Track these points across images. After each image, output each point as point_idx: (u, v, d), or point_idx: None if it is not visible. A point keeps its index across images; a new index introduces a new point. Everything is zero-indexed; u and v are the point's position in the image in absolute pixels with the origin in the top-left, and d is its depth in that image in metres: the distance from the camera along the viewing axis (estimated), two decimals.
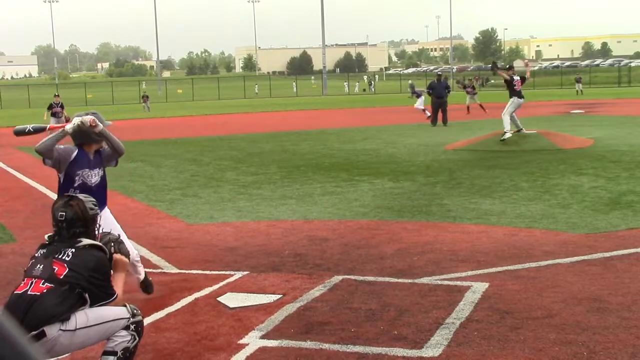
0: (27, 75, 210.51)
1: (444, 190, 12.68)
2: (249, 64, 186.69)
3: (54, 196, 13.07)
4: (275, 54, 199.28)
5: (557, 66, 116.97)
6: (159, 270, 7.88)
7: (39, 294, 4.48)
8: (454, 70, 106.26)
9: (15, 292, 4.64)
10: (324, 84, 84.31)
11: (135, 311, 4.83)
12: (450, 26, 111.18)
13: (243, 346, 5.52)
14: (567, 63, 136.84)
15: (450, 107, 29.82)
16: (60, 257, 4.63)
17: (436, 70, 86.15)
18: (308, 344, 5.50)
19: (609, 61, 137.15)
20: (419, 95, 34.11)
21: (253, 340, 5.63)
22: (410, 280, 7.13)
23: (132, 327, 4.73)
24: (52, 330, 4.40)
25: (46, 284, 4.52)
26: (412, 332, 5.69)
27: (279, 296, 6.75)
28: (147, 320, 6.19)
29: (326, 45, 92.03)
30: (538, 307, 6.18)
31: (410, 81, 43.81)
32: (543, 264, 7.57)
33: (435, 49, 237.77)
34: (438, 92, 29.16)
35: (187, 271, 7.76)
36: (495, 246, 8.41)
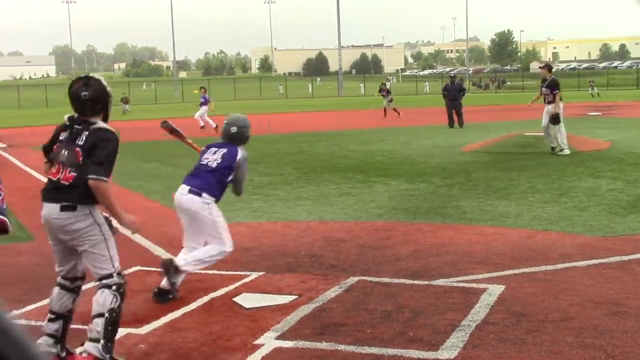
0: (45, 76, 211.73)
1: (460, 192, 12.65)
2: (265, 64, 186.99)
3: None
4: (291, 55, 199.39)
5: (574, 68, 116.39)
6: None
7: (67, 183, 5.14)
8: (470, 72, 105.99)
9: (50, 177, 5.29)
10: (339, 85, 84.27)
11: (121, 273, 5.31)
12: (467, 28, 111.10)
13: (258, 347, 5.53)
14: (584, 65, 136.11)
15: (466, 109, 29.71)
16: (79, 142, 5.20)
17: (451, 72, 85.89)
18: (323, 345, 5.50)
19: (627, 63, 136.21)
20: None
21: (268, 341, 5.63)
22: (425, 282, 7.11)
23: (114, 287, 5.17)
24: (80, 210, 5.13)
25: (72, 173, 5.15)
26: (428, 334, 5.67)
27: (295, 297, 6.76)
28: (163, 320, 6.22)
29: (342, 47, 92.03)
30: (555, 310, 6.15)
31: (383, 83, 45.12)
32: (560, 267, 7.53)
33: (451, 51, 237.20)
34: (452, 94, 29.09)
35: (203, 271, 7.77)
36: (511, 248, 8.38)
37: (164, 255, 8.51)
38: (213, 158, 7.13)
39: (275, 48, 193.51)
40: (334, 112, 45.12)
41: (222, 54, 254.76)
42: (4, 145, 25.61)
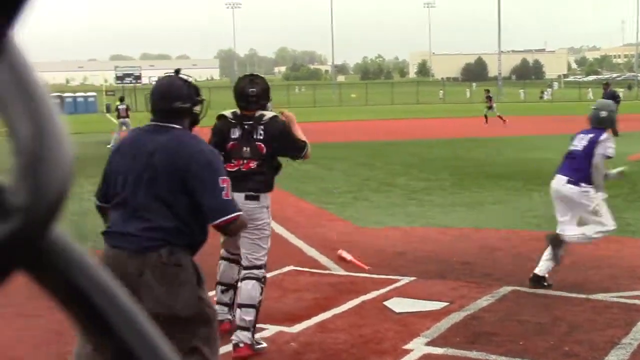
0: (209, 78, 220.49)
1: (624, 203, 12.08)
2: (423, 69, 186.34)
3: None
4: (450, 59, 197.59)
5: None
6: (327, 272, 8.01)
7: (247, 170, 5.52)
8: (639, 78, 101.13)
9: (228, 169, 5.25)
10: (498, 91, 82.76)
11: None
12: (637, 31, 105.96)
13: (408, 352, 5.52)
14: None
15: (630, 117, 28.38)
16: (259, 137, 5.55)
17: (610, 79, 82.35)
18: (474, 354, 5.42)
19: None
20: None
21: (418, 347, 5.61)
22: (584, 296, 6.85)
23: (262, 279, 5.59)
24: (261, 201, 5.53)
25: (254, 162, 5.54)
26: (585, 349, 5.47)
27: (446, 304, 6.69)
28: (313, 320, 6.32)
29: (502, 52, 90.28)
30: None
31: None
32: None
33: (619, 56, 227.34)
34: None
35: (354, 274, 7.83)
36: None
37: (317, 256, 8.65)
38: (581, 144, 7.52)
39: (434, 53, 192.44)
40: (492, 118, 44.28)
41: (380, 58, 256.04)
42: None
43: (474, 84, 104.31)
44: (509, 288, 7.14)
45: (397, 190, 14.17)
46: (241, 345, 5.44)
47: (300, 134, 5.75)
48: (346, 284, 7.45)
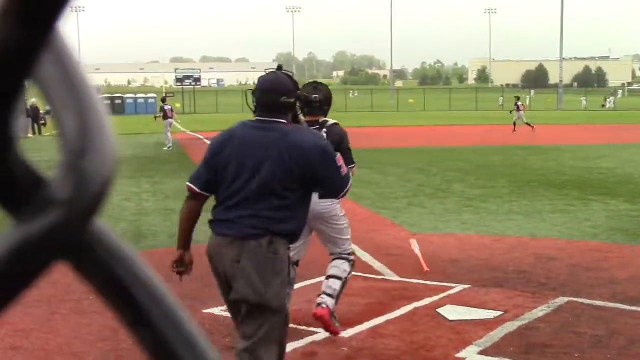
0: None
1: None
2: (483, 75, 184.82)
3: None
4: (510, 66, 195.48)
5: None
6: (381, 277, 7.99)
7: None
8: None
9: None
10: (559, 98, 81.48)
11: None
12: None
13: None
14: None
15: None
16: None
17: None
18: None
19: None
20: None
21: (471, 355, 5.55)
22: None
23: (352, 261, 6.19)
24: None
25: None
26: None
27: (500, 313, 6.61)
28: (366, 326, 6.31)
29: (564, 59, 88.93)
30: None
31: None
32: None
33: None
34: None
35: (408, 280, 7.80)
36: None
37: (371, 261, 8.63)
38: None
39: (494, 59, 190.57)
40: (551, 126, 43.68)
41: (439, 64, 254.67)
42: None
43: (532, 91, 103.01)
44: (565, 299, 7.03)
45: (453, 197, 14.06)
46: (324, 306, 5.88)
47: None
48: (399, 290, 7.42)
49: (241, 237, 3.93)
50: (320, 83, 6.39)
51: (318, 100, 6.03)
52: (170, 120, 27.31)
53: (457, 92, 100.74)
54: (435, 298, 7.12)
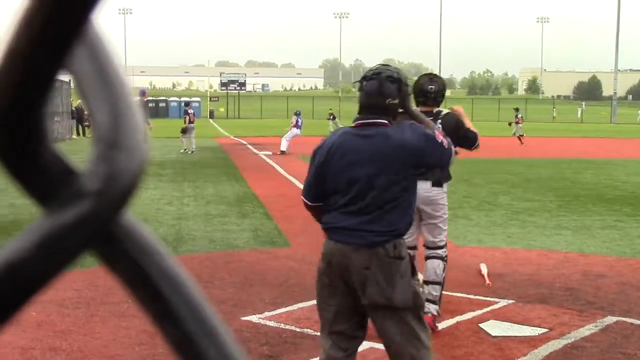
0: (313, 87, 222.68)
1: None
2: (533, 86, 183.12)
3: None
4: (561, 77, 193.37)
5: None
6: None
7: None
8: None
9: None
10: (613, 111, 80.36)
11: None
12: None
13: None
14: None
15: None
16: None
17: None
18: None
19: None
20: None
21: None
22: None
23: (445, 257, 6.67)
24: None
25: None
26: None
27: (545, 330, 6.53)
28: None
29: (619, 70, 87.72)
30: None
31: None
32: None
33: None
34: None
35: (451, 293, 7.74)
36: None
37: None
38: None
39: (545, 69, 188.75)
40: (604, 139, 43.09)
41: (489, 74, 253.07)
42: (270, 153, 27.24)
43: (583, 103, 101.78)
44: (614, 318, 6.92)
45: (499, 210, 13.94)
46: (429, 314, 6.11)
47: (470, 126, 6.62)
48: (442, 304, 7.37)
49: (368, 244, 4.09)
50: (435, 75, 6.85)
51: (433, 91, 6.48)
52: (192, 125, 27.73)
53: (505, 102, 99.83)
54: (478, 312, 7.06)
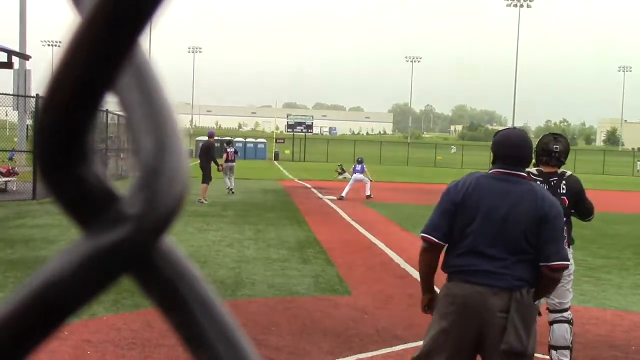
0: (382, 132, 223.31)
1: None
2: (612, 137, 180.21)
3: (393, 254, 13.64)
4: None
5: None
6: None
7: None
8: None
9: None
10: None
11: None
12: None
13: None
14: None
15: None
16: (561, 191, 6.48)
17: None
18: None
19: None
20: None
21: None
22: None
23: (572, 320, 6.79)
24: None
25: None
26: None
27: None
28: None
29: None
30: None
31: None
32: None
33: None
34: None
35: None
36: None
37: None
38: None
39: (625, 120, 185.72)
40: None
41: (565, 123, 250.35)
42: (334, 197, 27.30)
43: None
44: None
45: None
46: None
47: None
48: None
49: (509, 288, 4.20)
50: (560, 134, 7.00)
51: (558, 150, 6.62)
52: (232, 163, 27.47)
53: (582, 153, 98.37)
54: None
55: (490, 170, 4.50)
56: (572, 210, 6.63)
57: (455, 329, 4.25)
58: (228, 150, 27.66)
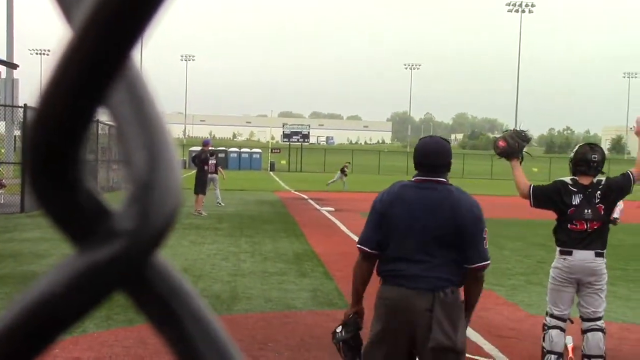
0: (380, 141, 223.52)
1: None
2: (617, 145, 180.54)
3: None
4: None
5: None
6: None
7: (593, 230, 6.86)
8: None
9: (571, 229, 6.92)
10: None
11: None
12: None
13: None
14: None
15: None
16: (597, 201, 6.86)
17: None
18: None
19: None
20: None
21: None
22: None
23: (605, 329, 7.06)
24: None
25: (597, 223, 6.85)
26: None
27: None
28: None
29: None
30: None
31: None
32: None
33: None
34: None
35: None
36: None
37: (481, 342, 8.46)
38: None
39: (631, 128, 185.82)
40: None
41: (569, 131, 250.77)
42: (332, 209, 27.29)
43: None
44: None
45: None
46: None
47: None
48: None
49: (431, 289, 4.53)
50: (596, 144, 7.36)
51: (596, 160, 6.96)
52: (214, 175, 26.84)
53: None
54: None
55: (413, 177, 4.84)
56: (611, 217, 7.07)
57: (388, 328, 4.63)
58: (210, 161, 27.04)
